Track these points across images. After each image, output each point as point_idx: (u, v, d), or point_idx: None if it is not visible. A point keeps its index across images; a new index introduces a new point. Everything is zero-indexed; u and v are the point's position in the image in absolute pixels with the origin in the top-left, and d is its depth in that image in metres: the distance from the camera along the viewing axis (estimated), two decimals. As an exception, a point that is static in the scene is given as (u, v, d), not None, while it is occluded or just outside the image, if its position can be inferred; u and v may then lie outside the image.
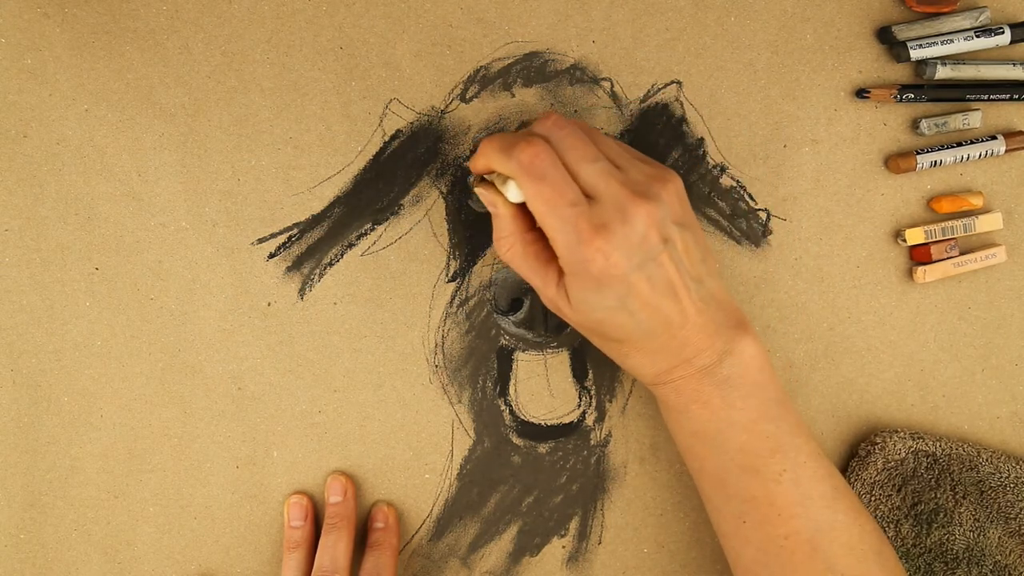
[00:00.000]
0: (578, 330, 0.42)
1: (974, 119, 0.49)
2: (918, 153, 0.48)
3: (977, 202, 0.49)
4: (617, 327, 0.39)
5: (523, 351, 0.48)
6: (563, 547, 0.48)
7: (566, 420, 0.48)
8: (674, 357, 0.40)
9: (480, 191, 0.42)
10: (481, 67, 0.46)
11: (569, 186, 0.38)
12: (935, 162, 0.48)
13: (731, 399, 0.40)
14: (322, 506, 0.47)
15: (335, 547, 0.44)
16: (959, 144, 0.49)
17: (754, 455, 0.40)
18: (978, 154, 0.49)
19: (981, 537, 0.49)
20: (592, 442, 0.48)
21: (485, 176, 0.42)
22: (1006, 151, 0.49)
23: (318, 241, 0.46)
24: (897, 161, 0.48)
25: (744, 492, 0.40)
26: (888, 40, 0.48)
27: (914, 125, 0.49)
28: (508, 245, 0.41)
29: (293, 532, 0.46)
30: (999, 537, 0.49)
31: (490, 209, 0.42)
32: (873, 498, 0.48)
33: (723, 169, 0.48)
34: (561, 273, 0.40)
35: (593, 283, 0.38)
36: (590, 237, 0.37)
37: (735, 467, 0.40)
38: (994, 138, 0.49)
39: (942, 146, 0.49)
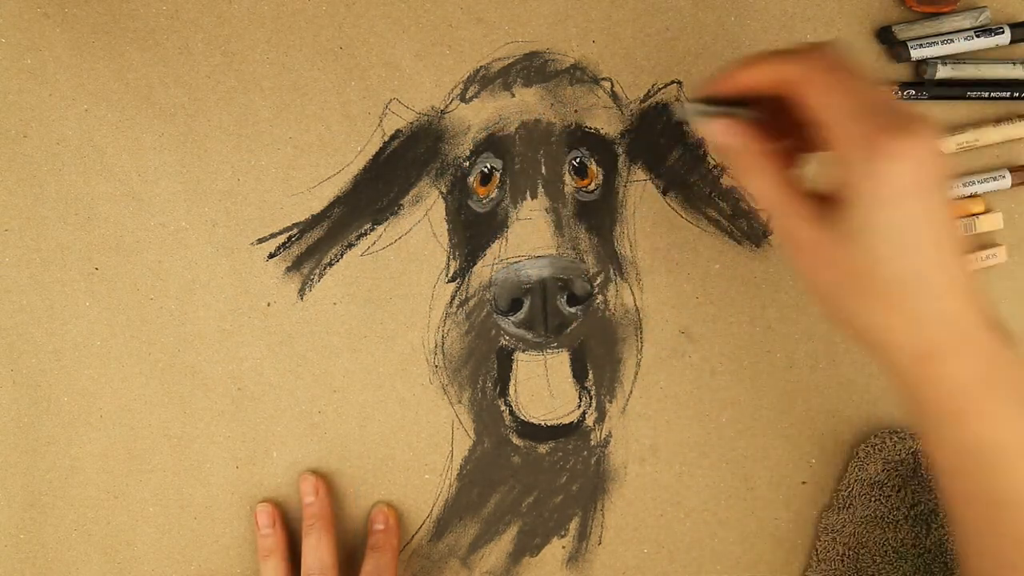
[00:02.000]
0: (821, 284, 0.35)
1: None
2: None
3: (977, 208, 0.49)
4: (889, 267, 0.32)
5: (523, 351, 0.48)
6: (563, 547, 0.48)
7: (566, 420, 0.48)
8: (943, 338, 0.32)
9: (717, 122, 0.36)
10: (481, 67, 0.46)
11: (866, 88, 0.32)
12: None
13: (1013, 414, 0.32)
14: (296, 512, 0.46)
15: (319, 547, 0.44)
16: (966, 176, 0.49)
17: None
18: (984, 190, 0.49)
19: (981, 537, 0.49)
20: (592, 442, 0.48)
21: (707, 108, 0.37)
22: (1012, 185, 0.49)
23: (318, 241, 0.46)
24: None
25: (1019, 532, 0.33)
26: (888, 40, 0.48)
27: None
28: (750, 169, 0.35)
29: (264, 540, 0.45)
30: (999, 537, 0.49)
31: (724, 139, 0.36)
32: (873, 498, 0.48)
33: (724, 169, 0.48)
34: (811, 207, 0.33)
35: (884, 191, 0.31)
36: (895, 134, 0.31)
37: (1012, 500, 0.33)
38: (1001, 174, 0.49)
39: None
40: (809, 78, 0.33)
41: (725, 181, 0.48)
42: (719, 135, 0.36)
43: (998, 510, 0.34)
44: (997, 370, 0.33)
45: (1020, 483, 0.33)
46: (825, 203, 0.34)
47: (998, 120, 0.49)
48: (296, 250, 0.46)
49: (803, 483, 0.50)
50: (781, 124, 0.36)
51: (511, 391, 0.48)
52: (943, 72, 0.48)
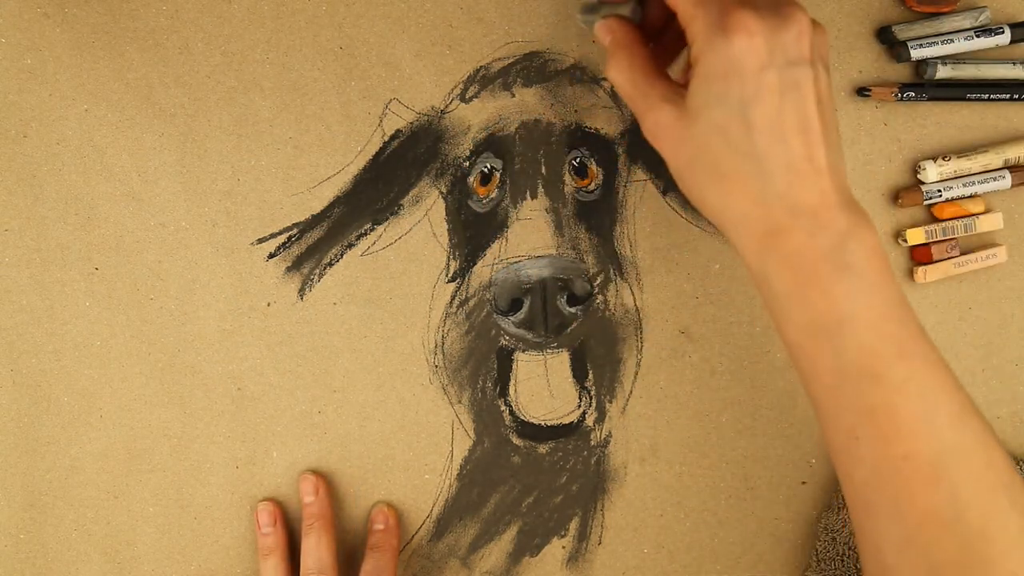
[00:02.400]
0: (676, 163, 0.36)
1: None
2: (925, 191, 0.49)
3: (977, 208, 0.49)
4: (731, 143, 0.34)
5: (523, 351, 0.48)
6: (563, 547, 0.48)
7: (566, 420, 0.48)
8: (789, 216, 0.34)
9: (601, 23, 0.39)
10: (481, 67, 0.46)
11: None
12: (939, 191, 0.48)
13: (855, 290, 0.34)
14: (296, 512, 0.46)
15: (318, 547, 0.44)
16: (966, 176, 0.49)
17: (877, 358, 0.34)
18: (984, 190, 0.49)
19: (981, 537, 0.49)
20: (592, 442, 0.48)
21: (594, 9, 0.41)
22: (1012, 185, 0.49)
23: (318, 241, 0.46)
24: (905, 196, 0.48)
25: (861, 402, 0.34)
26: (888, 40, 0.48)
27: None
28: (615, 57, 0.37)
29: (264, 539, 0.46)
30: (999, 537, 0.49)
31: (602, 35, 0.39)
32: (873, 498, 0.48)
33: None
34: (667, 91, 0.35)
35: (723, 65, 0.33)
36: (738, 11, 0.33)
37: (854, 371, 0.34)
38: (1001, 175, 0.49)
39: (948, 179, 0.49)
40: None
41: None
42: (599, 33, 0.39)
43: (842, 381, 0.35)
44: (842, 246, 0.34)
45: (861, 354, 0.34)
46: (683, 87, 0.35)
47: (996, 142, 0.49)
48: (296, 250, 0.46)
49: (803, 483, 0.50)
50: (659, 25, 0.38)
51: (511, 391, 0.48)
52: (943, 72, 0.48)
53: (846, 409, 0.35)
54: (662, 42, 0.41)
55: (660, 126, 0.36)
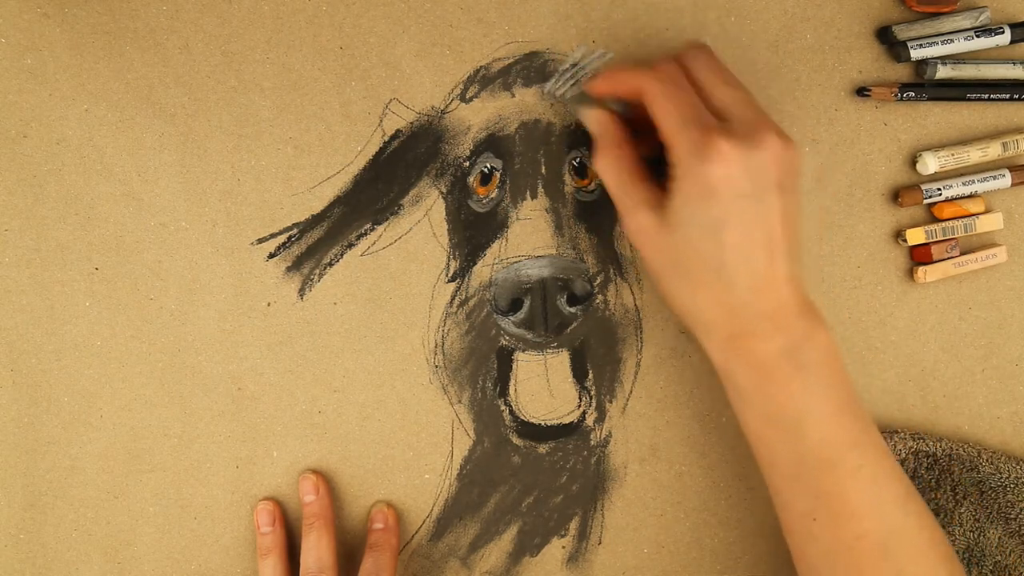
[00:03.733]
0: (652, 265, 0.40)
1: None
2: (924, 189, 0.49)
3: (977, 208, 0.49)
4: (703, 258, 0.38)
5: (523, 351, 0.48)
6: (563, 547, 0.48)
7: (566, 420, 0.48)
8: (751, 322, 0.38)
9: (590, 113, 0.42)
10: (481, 67, 0.46)
11: (697, 100, 0.38)
12: (939, 190, 0.49)
13: (812, 386, 0.38)
14: (296, 511, 0.46)
15: (318, 547, 0.44)
16: (966, 174, 0.49)
17: (832, 447, 0.38)
18: (984, 189, 0.49)
19: (981, 537, 0.49)
20: (592, 442, 0.48)
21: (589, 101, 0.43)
22: (1012, 185, 0.49)
23: (318, 241, 0.46)
24: (905, 196, 0.48)
25: (818, 487, 0.38)
26: (888, 40, 0.48)
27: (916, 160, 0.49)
28: (604, 154, 0.40)
29: (263, 538, 0.46)
30: (999, 537, 0.49)
31: (593, 127, 0.42)
32: (873, 498, 0.48)
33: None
34: (650, 197, 0.39)
35: (700, 189, 0.37)
36: (716, 140, 0.36)
37: (811, 459, 0.38)
38: (1001, 173, 0.49)
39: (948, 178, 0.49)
40: (649, 89, 0.39)
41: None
42: (590, 123, 0.43)
43: (800, 468, 0.39)
44: (798, 348, 0.38)
45: (818, 444, 0.38)
46: (664, 196, 0.39)
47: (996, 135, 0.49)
48: (296, 250, 0.46)
49: (803, 483, 0.50)
50: (646, 126, 0.41)
51: (511, 391, 0.48)
52: (943, 72, 0.48)
53: (803, 494, 0.39)
54: (646, 139, 0.43)
55: (641, 229, 0.39)
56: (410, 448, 0.48)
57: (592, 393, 0.48)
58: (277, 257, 0.46)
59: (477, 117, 0.47)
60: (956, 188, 0.49)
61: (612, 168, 0.40)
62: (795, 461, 0.39)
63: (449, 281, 0.47)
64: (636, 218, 0.39)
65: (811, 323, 0.38)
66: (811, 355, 0.38)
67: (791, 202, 0.38)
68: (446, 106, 0.46)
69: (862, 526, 0.38)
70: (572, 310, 0.47)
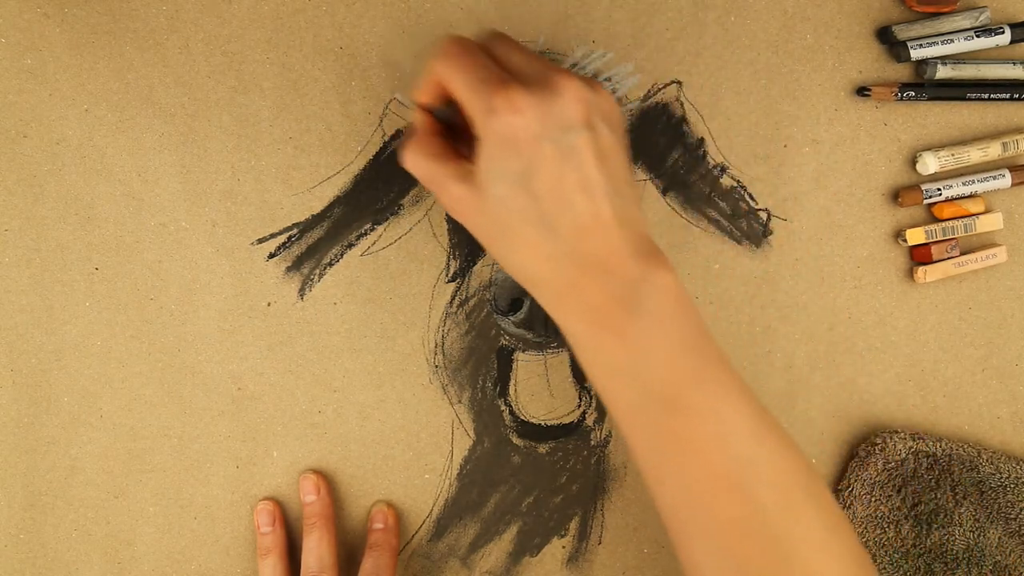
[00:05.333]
0: (478, 234, 0.38)
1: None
2: (924, 189, 0.49)
3: (977, 208, 0.49)
4: (518, 212, 0.36)
5: (523, 351, 0.48)
6: (563, 547, 0.48)
7: (566, 420, 0.48)
8: (580, 271, 0.36)
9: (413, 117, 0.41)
10: (481, 67, 0.46)
11: (488, 62, 0.36)
12: (939, 190, 0.49)
13: (649, 330, 0.36)
14: (296, 511, 0.46)
15: (319, 547, 0.44)
16: (965, 174, 0.49)
17: (675, 389, 0.36)
18: (984, 189, 0.49)
19: (981, 537, 0.49)
20: (592, 442, 0.48)
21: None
22: (1012, 185, 0.49)
23: (318, 241, 0.46)
24: (905, 196, 0.48)
25: (664, 430, 0.37)
26: (888, 40, 0.48)
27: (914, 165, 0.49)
28: (408, 147, 0.39)
29: (263, 538, 0.46)
30: (999, 537, 0.49)
31: (413, 124, 0.41)
32: (873, 499, 0.48)
33: (723, 169, 0.48)
34: (457, 169, 0.37)
35: (500, 143, 0.35)
36: (503, 88, 0.35)
37: (654, 404, 0.36)
38: (1001, 173, 0.49)
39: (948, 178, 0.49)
40: (440, 67, 0.37)
41: (725, 181, 0.48)
42: (412, 123, 0.41)
43: (645, 414, 0.37)
44: (633, 291, 0.36)
45: (661, 385, 0.36)
46: (472, 164, 0.37)
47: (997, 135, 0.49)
48: (296, 250, 0.46)
49: (803, 483, 0.50)
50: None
51: (511, 391, 0.48)
52: (943, 72, 0.48)
53: (651, 438, 0.37)
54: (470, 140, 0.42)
55: (455, 201, 0.38)
56: (410, 448, 0.48)
57: (592, 393, 0.48)
58: (277, 257, 0.46)
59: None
60: (956, 188, 0.49)
61: (417, 157, 0.38)
62: (637, 405, 0.37)
63: (449, 281, 0.47)
64: (448, 192, 0.37)
65: (648, 264, 0.36)
66: (649, 298, 0.36)
67: (605, 139, 0.36)
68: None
69: (710, 463, 0.36)
70: (572, 310, 0.47)
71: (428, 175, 0.38)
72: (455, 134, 0.40)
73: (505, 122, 0.35)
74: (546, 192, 0.35)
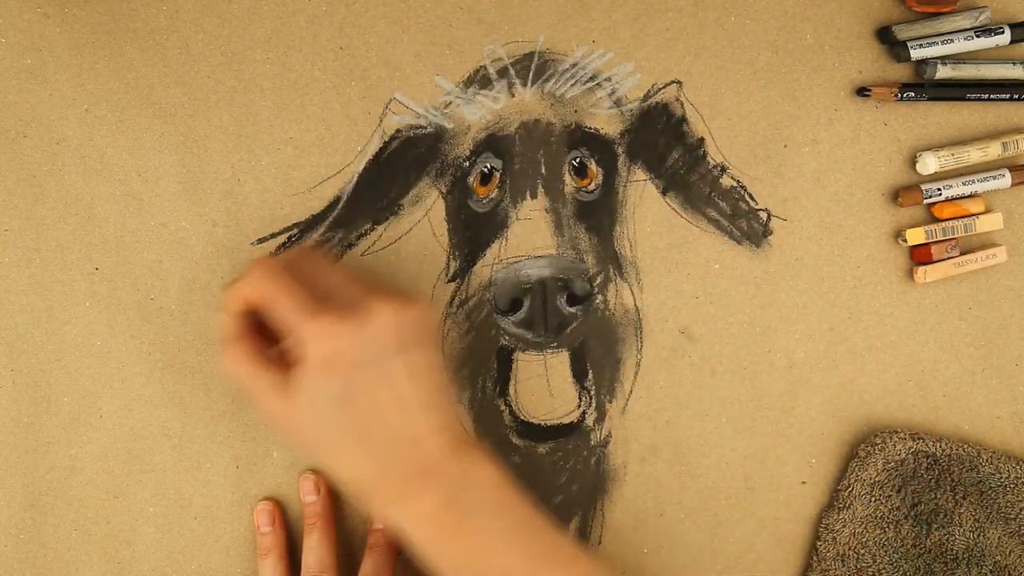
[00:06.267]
0: (297, 444, 0.41)
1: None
2: (924, 189, 0.49)
3: (977, 208, 0.49)
4: (337, 430, 0.38)
5: (523, 351, 0.48)
6: (563, 547, 0.48)
7: (566, 420, 0.48)
8: (405, 484, 0.38)
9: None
10: (481, 67, 0.46)
11: (298, 287, 0.38)
12: (939, 190, 0.49)
13: (483, 524, 0.38)
14: (296, 511, 0.46)
15: (319, 547, 0.44)
16: (965, 174, 0.49)
17: (516, 573, 0.38)
18: (984, 189, 0.49)
19: (981, 537, 0.49)
20: (592, 442, 0.48)
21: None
22: (1012, 185, 0.49)
23: (318, 241, 0.46)
24: (905, 196, 0.48)
25: None
26: (888, 40, 0.48)
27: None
28: (227, 352, 0.40)
29: (263, 538, 0.46)
30: (999, 537, 0.49)
31: (221, 331, 0.42)
32: (873, 499, 0.48)
33: (723, 169, 0.48)
34: (276, 380, 0.38)
35: (316, 369, 0.37)
36: (321, 320, 0.37)
37: None
38: (1001, 173, 0.49)
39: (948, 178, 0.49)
40: (252, 293, 0.39)
41: (725, 181, 0.48)
42: (222, 332, 0.41)
43: None
44: (459, 491, 0.38)
45: (503, 573, 0.38)
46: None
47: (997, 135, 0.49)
48: (296, 250, 0.46)
49: (803, 483, 0.50)
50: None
51: (511, 391, 0.48)
52: (943, 72, 0.48)
53: None
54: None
55: (271, 414, 0.39)
56: (410, 448, 0.47)
57: (592, 393, 0.48)
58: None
59: (477, 117, 0.47)
60: (956, 188, 0.49)
61: (235, 361, 0.39)
62: None
63: (449, 281, 0.47)
64: (265, 404, 0.39)
65: (467, 463, 0.39)
66: (473, 495, 0.38)
67: (419, 358, 0.38)
68: (446, 106, 0.46)
69: None
70: (572, 310, 0.47)
71: (248, 382, 0.39)
72: (267, 332, 0.41)
73: (321, 349, 0.37)
74: (362, 414, 0.37)
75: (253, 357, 0.39)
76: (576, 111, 0.47)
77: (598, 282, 0.48)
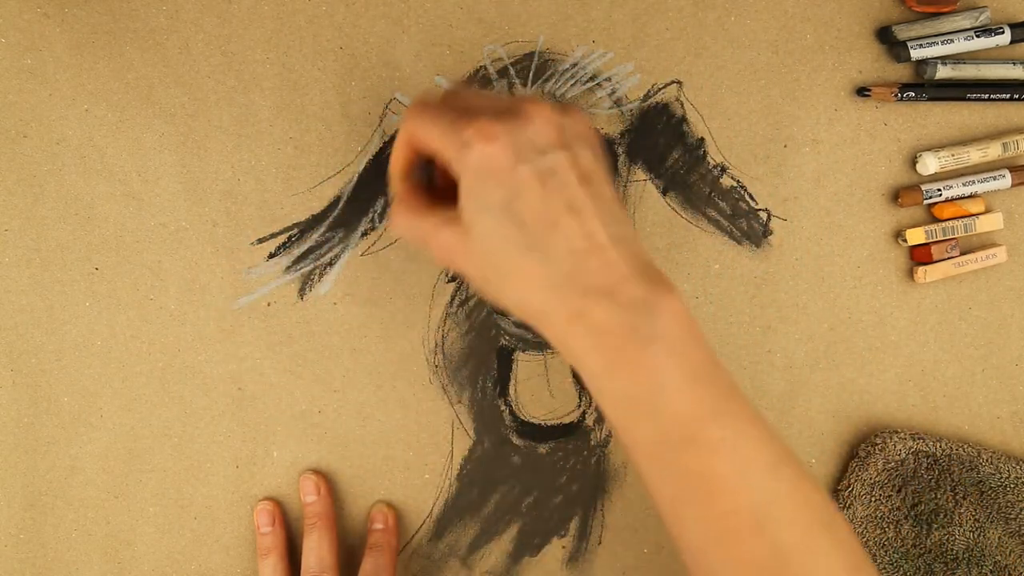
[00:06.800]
0: (472, 277, 0.37)
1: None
2: (924, 189, 0.49)
3: (977, 208, 0.49)
4: (507, 243, 0.34)
5: (523, 351, 0.48)
6: (563, 547, 0.48)
7: (566, 420, 0.48)
8: (583, 298, 0.34)
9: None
10: (481, 67, 0.46)
11: (452, 109, 0.36)
12: (939, 191, 0.49)
13: (662, 360, 0.34)
14: (296, 511, 0.46)
15: (319, 547, 0.44)
16: (966, 174, 0.49)
17: (691, 422, 0.34)
18: (984, 190, 0.49)
19: (981, 537, 0.49)
20: (592, 442, 0.48)
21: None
22: (1012, 185, 0.49)
23: (318, 241, 0.46)
24: (905, 196, 0.48)
25: (681, 465, 0.35)
26: (888, 40, 0.48)
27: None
28: (393, 211, 0.38)
29: (263, 539, 0.46)
30: (999, 537, 0.49)
31: (390, 187, 0.41)
32: (873, 499, 0.48)
33: (723, 169, 0.48)
34: (442, 216, 0.36)
35: (476, 175, 0.34)
36: (476, 123, 0.34)
37: (670, 437, 0.35)
38: (1001, 174, 0.49)
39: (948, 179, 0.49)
40: (408, 124, 0.37)
41: (725, 181, 0.48)
42: (390, 186, 0.40)
43: (661, 449, 0.35)
44: (641, 318, 0.34)
45: (675, 420, 0.34)
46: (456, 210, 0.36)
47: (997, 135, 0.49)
48: (296, 250, 0.46)
49: (803, 483, 0.50)
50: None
51: (511, 391, 0.48)
52: (943, 72, 0.48)
53: (668, 475, 0.36)
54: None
55: (444, 248, 0.36)
56: (410, 448, 0.48)
57: (592, 393, 0.48)
58: (277, 257, 0.46)
59: (477, 117, 0.47)
60: (956, 188, 0.49)
61: (402, 217, 0.38)
62: (655, 442, 0.35)
63: (449, 281, 0.47)
64: (436, 241, 0.37)
65: (654, 288, 0.34)
66: (658, 324, 0.34)
67: (587, 159, 0.35)
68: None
69: (732, 501, 0.34)
70: (572, 310, 0.47)
71: (415, 231, 0.38)
72: (437, 194, 0.40)
73: (479, 153, 0.34)
74: (533, 218, 0.34)
75: (418, 206, 0.37)
76: (576, 111, 0.47)
77: (598, 282, 0.47)
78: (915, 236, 0.49)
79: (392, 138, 0.46)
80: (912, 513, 0.49)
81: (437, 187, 0.40)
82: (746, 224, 0.49)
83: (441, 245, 0.36)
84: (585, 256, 0.34)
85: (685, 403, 0.34)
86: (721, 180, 0.48)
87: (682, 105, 0.48)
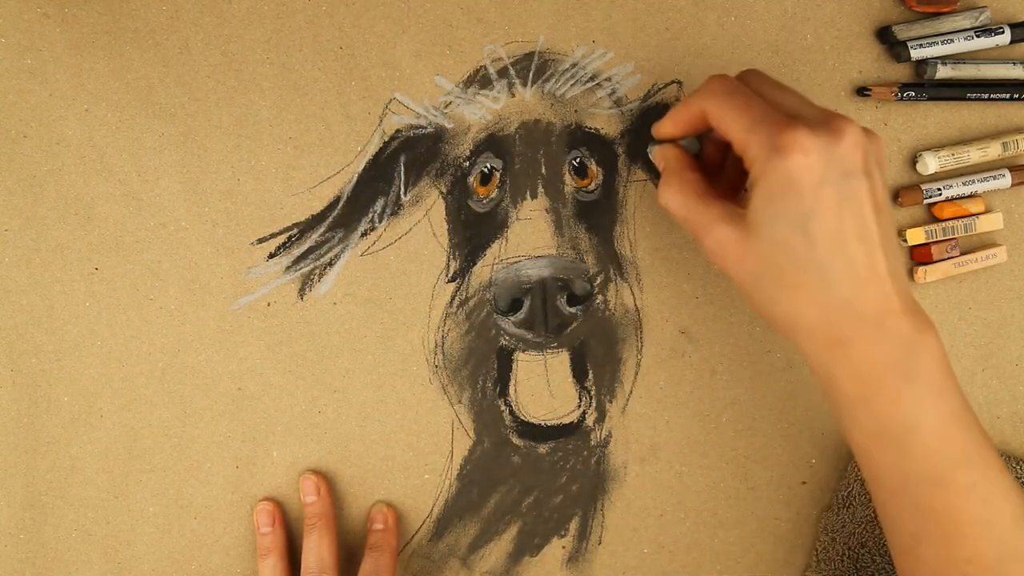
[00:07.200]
0: (740, 279, 0.37)
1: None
2: (924, 189, 0.49)
3: (977, 208, 0.49)
4: (794, 257, 0.35)
5: (523, 351, 0.48)
6: (563, 547, 0.48)
7: (566, 420, 0.48)
8: (854, 325, 0.35)
9: (655, 149, 0.43)
10: (481, 67, 0.46)
11: (762, 102, 0.36)
12: (939, 190, 0.49)
13: (920, 398, 0.35)
14: (296, 512, 0.46)
15: (319, 547, 0.44)
16: (966, 174, 0.49)
17: (942, 463, 0.35)
18: (984, 189, 0.49)
19: (982, 537, 0.49)
20: (592, 443, 0.48)
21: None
22: (1012, 185, 0.49)
23: (318, 241, 0.46)
24: (905, 196, 0.48)
25: (925, 505, 0.35)
26: (888, 40, 0.48)
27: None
28: (667, 182, 0.39)
29: (263, 539, 0.46)
30: (1000, 537, 0.49)
31: (657, 162, 0.42)
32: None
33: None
34: (723, 211, 0.37)
35: (781, 184, 0.34)
36: (793, 130, 0.34)
37: (919, 475, 0.35)
38: (1001, 173, 0.49)
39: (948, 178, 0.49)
40: (710, 103, 0.37)
41: (725, 181, 0.48)
42: (655, 158, 0.42)
43: (907, 485, 0.36)
44: (907, 354, 0.35)
45: (927, 459, 0.35)
46: (740, 207, 0.37)
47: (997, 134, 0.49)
48: (296, 250, 0.46)
49: (803, 483, 0.50)
50: (717, 161, 0.41)
51: (511, 391, 0.48)
52: (943, 72, 0.48)
53: (910, 512, 0.36)
54: (721, 177, 0.43)
55: (720, 244, 0.37)
56: (410, 448, 0.48)
57: (592, 393, 0.48)
58: (277, 257, 0.46)
59: (477, 117, 0.47)
60: (956, 188, 0.49)
61: (677, 193, 0.38)
62: (901, 477, 0.36)
63: (449, 281, 0.47)
64: (713, 234, 0.37)
65: (919, 327, 0.35)
66: (921, 364, 0.35)
67: (880, 189, 0.36)
68: (446, 106, 0.46)
69: (973, 548, 0.35)
70: (572, 310, 0.47)
71: (689, 214, 0.38)
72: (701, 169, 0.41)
73: (791, 163, 0.34)
74: (825, 238, 0.34)
75: (696, 189, 0.38)
76: (576, 111, 0.47)
77: (598, 282, 0.48)
78: (915, 236, 0.49)
79: (392, 138, 0.46)
80: (912, 513, 0.49)
81: (703, 161, 0.41)
82: (746, 224, 0.49)
83: (717, 240, 0.37)
84: (865, 285, 0.35)
85: (939, 444, 0.35)
86: (721, 180, 0.48)
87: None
